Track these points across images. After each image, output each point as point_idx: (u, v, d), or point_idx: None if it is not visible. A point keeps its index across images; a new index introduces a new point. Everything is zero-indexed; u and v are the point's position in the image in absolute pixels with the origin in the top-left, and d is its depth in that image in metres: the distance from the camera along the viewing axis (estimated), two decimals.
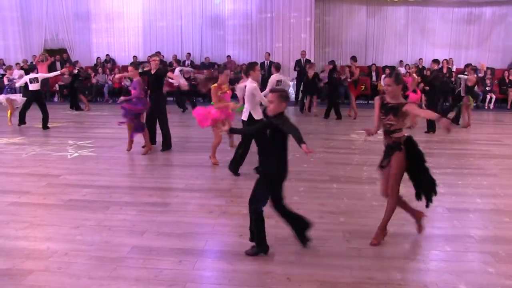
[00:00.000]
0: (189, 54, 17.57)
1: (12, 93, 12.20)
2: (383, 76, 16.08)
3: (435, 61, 11.82)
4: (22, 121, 11.40)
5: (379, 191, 4.67)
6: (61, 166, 7.40)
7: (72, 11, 18.50)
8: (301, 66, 15.26)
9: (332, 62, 13.23)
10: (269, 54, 16.33)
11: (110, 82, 16.61)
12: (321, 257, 4.20)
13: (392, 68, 16.62)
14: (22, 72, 13.98)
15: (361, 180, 6.73)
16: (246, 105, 6.82)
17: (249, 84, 6.72)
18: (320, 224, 4.96)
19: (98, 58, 18.12)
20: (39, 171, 7.02)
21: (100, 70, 17.05)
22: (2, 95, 12.14)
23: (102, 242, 4.54)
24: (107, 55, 18.20)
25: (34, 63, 17.42)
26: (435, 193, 4.50)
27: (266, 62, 16.00)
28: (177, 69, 13.54)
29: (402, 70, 16.80)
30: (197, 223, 4.99)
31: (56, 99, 17.61)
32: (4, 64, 17.48)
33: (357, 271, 3.94)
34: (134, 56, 17.75)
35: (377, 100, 4.56)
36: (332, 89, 13.11)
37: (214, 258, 4.23)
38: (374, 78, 16.72)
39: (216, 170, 7.26)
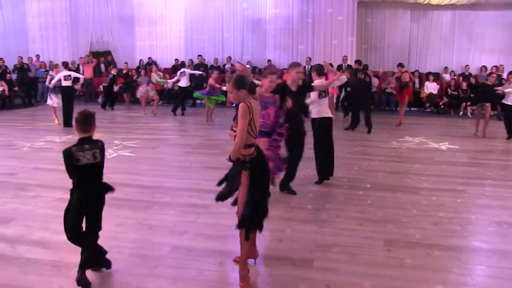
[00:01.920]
0: (229, 57, 17.73)
1: (55, 93, 12.65)
2: (426, 82, 15.75)
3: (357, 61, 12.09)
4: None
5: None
6: (106, 165, 7.58)
7: (117, 15, 19.03)
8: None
9: (358, 62, 12.77)
10: (310, 59, 16.29)
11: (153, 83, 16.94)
12: (361, 265, 4.15)
13: (436, 75, 16.31)
14: (70, 72, 14.43)
15: (402, 189, 6.60)
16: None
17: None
18: (360, 231, 4.92)
19: (140, 60, 18.53)
20: None
21: (142, 72, 17.40)
22: (51, 98, 12.62)
23: (143, 241, 4.64)
24: (150, 57, 18.58)
25: (80, 64, 18.06)
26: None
27: (307, 66, 15.95)
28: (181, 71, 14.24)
29: (447, 77, 16.42)
30: (235, 226, 5.01)
31: (100, 99, 18.10)
32: (57, 65, 18.10)
33: (398, 282, 3.87)
34: (175, 59, 18.08)
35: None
36: (355, 93, 12.11)
37: (253, 261, 4.24)
38: (417, 85, 16.38)
39: None
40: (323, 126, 6.62)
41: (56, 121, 12.33)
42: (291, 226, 5.09)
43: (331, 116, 6.77)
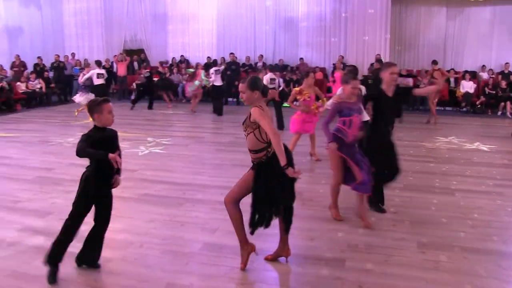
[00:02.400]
0: (261, 56, 17.73)
1: (86, 92, 12.98)
2: (462, 81, 15.38)
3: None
4: None
5: (225, 198, 4.13)
6: (136, 162, 7.73)
7: (150, 13, 19.30)
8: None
9: (380, 61, 12.49)
10: (342, 57, 16.14)
11: (184, 82, 17.10)
12: (395, 267, 4.09)
13: (473, 73, 15.86)
14: (103, 71, 14.74)
15: (437, 190, 6.47)
16: None
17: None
18: (393, 232, 4.85)
19: (173, 58, 18.74)
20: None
21: (175, 70, 17.61)
22: (79, 95, 12.94)
23: (175, 237, 4.70)
24: (182, 55, 18.78)
25: (114, 62, 18.40)
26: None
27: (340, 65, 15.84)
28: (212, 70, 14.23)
29: (485, 75, 15.99)
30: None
31: (133, 97, 18.37)
32: (89, 64, 18.54)
33: (433, 285, 3.80)
34: (208, 57, 18.19)
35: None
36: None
37: (284, 259, 4.24)
38: (452, 83, 16.01)
39: None
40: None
41: (90, 119, 12.53)
42: (322, 225, 5.06)
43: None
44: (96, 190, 3.87)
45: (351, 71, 6.74)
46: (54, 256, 3.84)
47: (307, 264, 4.14)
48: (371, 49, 16.22)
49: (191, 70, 15.14)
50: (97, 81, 12.56)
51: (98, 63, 13.83)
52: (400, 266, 4.10)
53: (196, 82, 14.30)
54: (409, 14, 17.43)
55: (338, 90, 6.62)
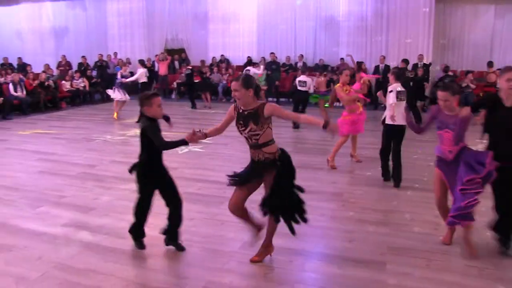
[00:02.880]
0: (301, 55, 17.66)
1: (121, 88, 13.34)
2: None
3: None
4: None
5: (230, 206, 4.19)
6: (176, 160, 7.84)
7: (192, 12, 19.50)
8: (415, 71, 14.58)
9: (405, 61, 12.08)
10: (384, 58, 15.89)
11: (224, 81, 17.23)
12: (437, 272, 4.00)
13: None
14: (145, 70, 15.08)
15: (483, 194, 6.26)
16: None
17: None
18: (435, 236, 4.75)
19: (213, 57, 18.90)
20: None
21: (215, 69, 17.76)
22: (118, 92, 13.32)
23: (215, 235, 4.75)
24: (222, 55, 18.91)
25: (155, 61, 18.74)
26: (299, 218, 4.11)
27: (380, 65, 15.60)
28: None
29: None
30: (308, 225, 4.96)
31: (173, 96, 18.68)
32: (130, 63, 19.01)
33: None
34: (248, 57, 18.26)
35: (231, 109, 4.05)
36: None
37: (324, 261, 4.22)
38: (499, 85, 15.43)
39: (329, 173, 7.23)
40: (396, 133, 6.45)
41: (115, 115, 13.13)
42: (362, 227, 5.00)
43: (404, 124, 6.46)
44: (153, 175, 4.19)
45: (396, 73, 6.55)
46: (136, 238, 4.40)
47: (346, 265, 4.10)
48: (414, 49, 15.90)
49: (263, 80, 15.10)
50: (143, 80, 13.00)
51: (142, 62, 14.15)
52: (443, 272, 4.01)
53: None
54: (453, 13, 16.93)
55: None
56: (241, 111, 3.88)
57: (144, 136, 4.11)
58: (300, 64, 17.20)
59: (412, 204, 5.76)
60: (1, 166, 7.86)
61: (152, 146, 4.05)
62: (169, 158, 7.69)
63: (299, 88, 11.39)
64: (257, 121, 3.80)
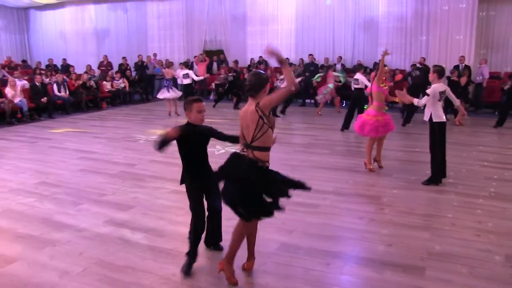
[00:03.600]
0: (340, 57, 17.53)
1: (171, 89, 13.73)
2: None
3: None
4: None
5: None
6: (212, 160, 7.89)
7: (230, 14, 19.66)
8: (459, 73, 14.22)
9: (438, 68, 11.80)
10: (424, 59, 15.58)
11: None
12: (479, 280, 3.89)
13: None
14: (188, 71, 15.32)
15: None
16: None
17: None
18: (477, 243, 4.62)
19: (251, 59, 18.98)
20: None
21: (253, 70, 17.84)
22: (164, 92, 13.68)
23: None
24: (261, 56, 18.94)
25: (194, 62, 19.00)
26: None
27: (420, 67, 15.29)
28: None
29: None
30: (346, 228, 4.98)
31: (212, 97, 18.87)
32: (168, 66, 19.34)
33: None
34: (286, 58, 18.25)
35: None
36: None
37: (361, 264, 4.18)
38: None
39: (367, 176, 7.16)
40: (442, 129, 6.52)
41: (169, 113, 13.75)
42: (401, 231, 4.93)
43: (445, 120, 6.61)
44: (194, 181, 4.10)
45: (439, 71, 6.54)
46: (193, 246, 4.08)
47: (384, 270, 4.05)
48: (455, 50, 15.51)
49: (319, 75, 15.10)
50: (184, 81, 13.34)
51: (186, 64, 14.47)
52: (485, 280, 3.90)
53: (330, 85, 14.05)
54: (498, 12, 16.38)
55: None
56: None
57: (177, 143, 4.05)
58: (338, 66, 17.08)
59: (453, 209, 5.63)
60: (45, 164, 8.15)
61: (185, 151, 4.07)
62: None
63: (354, 86, 11.26)
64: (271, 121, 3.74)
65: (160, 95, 14.00)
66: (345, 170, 7.40)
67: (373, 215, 5.42)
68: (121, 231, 4.95)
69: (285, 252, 4.37)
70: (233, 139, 4.27)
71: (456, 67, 14.51)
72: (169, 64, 15.80)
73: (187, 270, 4.00)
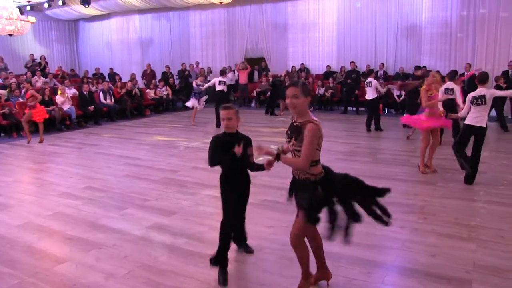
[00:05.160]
0: (382, 64, 17.29)
1: (198, 98, 13.85)
2: None
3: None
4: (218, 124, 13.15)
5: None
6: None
7: (271, 22, 19.74)
8: (508, 80, 13.75)
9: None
10: (469, 65, 15.14)
11: None
12: None
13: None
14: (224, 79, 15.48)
15: None
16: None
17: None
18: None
19: (293, 66, 18.97)
20: None
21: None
22: (192, 100, 13.91)
23: None
24: (302, 64, 18.95)
25: (235, 71, 19.19)
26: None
27: (466, 73, 14.87)
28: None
29: None
30: (388, 236, 4.91)
31: (253, 104, 19.00)
32: (211, 72, 19.64)
33: None
34: (327, 66, 18.19)
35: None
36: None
37: (404, 275, 4.11)
38: None
39: (410, 185, 7.03)
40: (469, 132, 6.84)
41: (192, 122, 13.86)
42: (445, 242, 4.81)
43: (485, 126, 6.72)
44: (228, 185, 4.15)
45: (479, 77, 6.76)
46: (221, 254, 4.10)
47: (428, 281, 3.96)
48: (503, 56, 14.99)
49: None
50: (218, 87, 13.46)
51: (221, 72, 14.59)
52: None
53: None
54: None
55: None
56: (293, 120, 3.54)
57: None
58: (381, 73, 16.86)
59: (499, 220, 5.45)
60: (92, 169, 8.42)
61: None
62: None
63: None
64: (298, 137, 3.41)
65: (188, 104, 14.15)
66: (387, 178, 7.28)
67: (415, 225, 5.32)
68: (163, 236, 5.06)
69: (327, 260, 4.32)
70: (251, 167, 4.26)
71: (505, 72, 14.05)
72: (202, 73, 16.01)
73: (225, 279, 3.99)
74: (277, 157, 3.56)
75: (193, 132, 12.41)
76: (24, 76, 17.06)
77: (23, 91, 13.42)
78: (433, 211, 5.78)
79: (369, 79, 12.03)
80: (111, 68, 21.24)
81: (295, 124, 3.47)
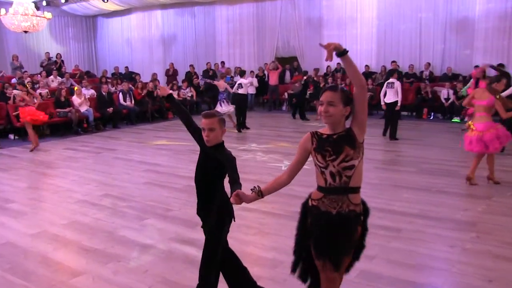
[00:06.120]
0: (428, 63, 17.03)
1: (223, 103, 13.99)
2: None
3: None
4: (243, 126, 13.65)
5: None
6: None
7: (305, 17, 19.68)
8: None
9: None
10: None
11: None
12: None
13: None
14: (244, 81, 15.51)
15: None
16: None
17: None
18: None
19: (328, 67, 18.89)
20: (267, 179, 7.66)
21: (330, 79, 17.73)
22: (217, 106, 14.03)
23: None
24: (338, 63, 18.76)
25: (265, 71, 19.20)
26: None
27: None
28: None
29: None
30: (434, 256, 4.80)
31: (284, 107, 18.98)
32: (239, 73, 19.69)
33: None
34: (366, 66, 18.04)
35: (306, 139, 3.14)
36: None
37: None
38: None
39: (460, 198, 6.89)
40: None
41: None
42: (503, 265, 4.66)
43: None
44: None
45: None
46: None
47: None
48: None
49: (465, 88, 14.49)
50: (240, 91, 13.53)
51: (241, 73, 14.63)
52: None
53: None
54: None
55: None
56: (325, 136, 3.04)
57: None
58: (426, 73, 16.61)
59: None
60: (110, 176, 8.55)
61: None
62: (276, 174, 7.88)
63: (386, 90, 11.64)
64: (354, 144, 2.99)
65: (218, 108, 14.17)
66: (433, 191, 7.15)
67: (467, 244, 5.19)
68: (187, 249, 5.07)
69: (365, 280, 4.28)
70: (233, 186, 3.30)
71: None
72: (223, 76, 16.04)
73: None
74: (259, 193, 3.14)
75: None
76: (38, 76, 17.48)
77: (38, 91, 13.76)
78: (487, 229, 5.62)
79: (391, 80, 11.95)
80: (127, 67, 21.55)
81: (334, 136, 2.99)
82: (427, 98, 15.67)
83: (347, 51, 2.92)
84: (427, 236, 5.37)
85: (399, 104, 11.75)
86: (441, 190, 7.21)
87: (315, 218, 3.10)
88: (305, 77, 16.67)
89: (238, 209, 6.24)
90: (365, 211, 3.20)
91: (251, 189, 3.14)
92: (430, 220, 5.90)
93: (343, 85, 16.08)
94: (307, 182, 7.42)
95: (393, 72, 12.96)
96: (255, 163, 9.24)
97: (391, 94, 11.80)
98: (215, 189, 3.67)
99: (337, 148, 2.95)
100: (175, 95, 17.59)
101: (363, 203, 3.18)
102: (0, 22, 15.50)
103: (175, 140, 12.22)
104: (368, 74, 17.69)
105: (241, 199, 3.05)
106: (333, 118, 2.95)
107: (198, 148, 3.76)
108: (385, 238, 5.26)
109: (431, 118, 15.64)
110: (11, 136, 13.29)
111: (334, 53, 2.86)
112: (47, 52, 20.62)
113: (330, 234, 2.99)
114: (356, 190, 3.05)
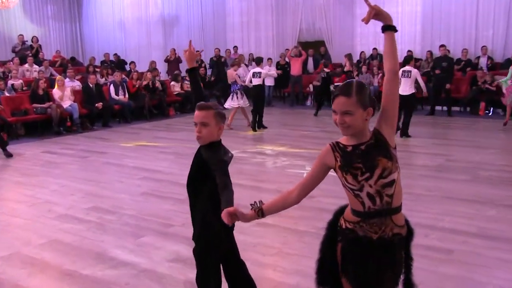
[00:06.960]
0: (485, 48, 16.85)
1: (236, 95, 14.00)
2: None
3: None
4: (260, 125, 13.56)
5: None
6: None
7: None
8: None
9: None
10: None
11: (376, 84, 16.97)
12: None
13: None
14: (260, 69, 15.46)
15: None
16: None
17: None
18: None
19: (362, 52, 18.78)
20: (288, 188, 7.62)
21: (364, 68, 17.62)
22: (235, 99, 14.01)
23: None
24: (374, 49, 18.66)
25: (286, 58, 19.14)
26: None
27: None
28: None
29: None
30: (497, 285, 4.72)
31: (309, 102, 18.92)
32: (253, 60, 19.69)
33: None
34: (408, 51, 17.90)
35: (326, 153, 2.95)
36: None
37: None
38: None
39: None
40: None
41: (229, 124, 13.64)
42: None
43: None
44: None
45: None
46: None
47: None
48: None
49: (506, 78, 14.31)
50: (254, 81, 13.43)
51: (258, 61, 14.56)
52: None
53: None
54: None
55: None
56: (349, 148, 2.87)
57: None
58: (483, 60, 16.43)
59: None
60: (100, 184, 8.59)
61: None
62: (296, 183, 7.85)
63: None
64: (389, 153, 2.81)
65: (226, 104, 14.14)
66: (494, 204, 7.06)
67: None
68: (190, 272, 5.04)
69: None
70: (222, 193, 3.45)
71: None
72: (234, 63, 15.97)
73: None
74: (259, 212, 3.10)
75: (230, 138, 12.42)
76: (10, 63, 17.34)
77: (9, 82, 13.83)
78: None
79: (407, 68, 11.88)
80: (116, 54, 21.61)
81: (361, 147, 2.82)
82: (484, 90, 15.49)
83: (396, 30, 2.99)
84: (486, 260, 5.28)
85: (424, 92, 12.25)
86: (502, 203, 7.12)
87: (351, 243, 2.92)
88: (325, 69, 16.60)
89: (253, 224, 6.28)
90: (409, 232, 3.07)
91: (251, 205, 3.08)
92: (489, 240, 5.82)
93: (379, 75, 16.06)
94: (337, 193, 7.40)
95: (410, 59, 12.84)
96: (273, 169, 9.18)
97: (407, 85, 11.73)
98: (202, 198, 3.63)
99: (369, 162, 2.78)
100: (178, 88, 17.62)
101: (407, 222, 3.05)
102: None
103: (178, 141, 12.23)
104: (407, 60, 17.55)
105: (236, 218, 3.04)
106: (352, 128, 2.78)
107: None
108: (433, 261, 5.19)
109: (490, 114, 15.48)
110: None
111: (381, 25, 2.97)
112: (21, 35, 20.52)
113: (373, 263, 2.87)
114: (399, 209, 2.93)
